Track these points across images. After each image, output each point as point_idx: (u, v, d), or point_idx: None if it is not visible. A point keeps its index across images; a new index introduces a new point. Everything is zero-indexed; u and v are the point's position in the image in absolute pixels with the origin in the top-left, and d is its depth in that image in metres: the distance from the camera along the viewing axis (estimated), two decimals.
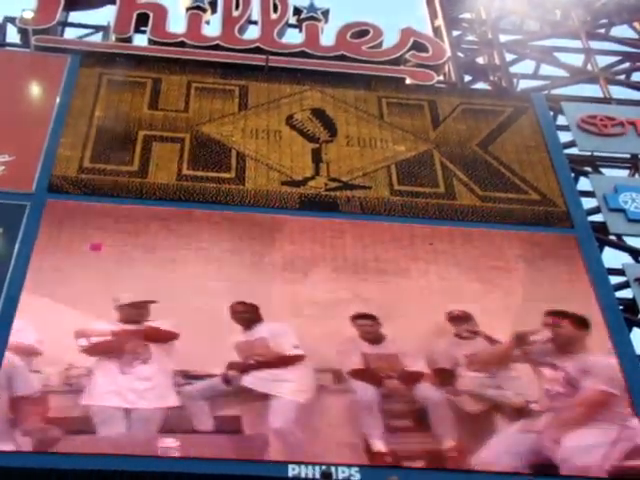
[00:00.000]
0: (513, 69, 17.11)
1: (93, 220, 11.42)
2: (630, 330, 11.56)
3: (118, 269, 10.70)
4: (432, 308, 10.70)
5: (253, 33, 15.55)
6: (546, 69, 17.77)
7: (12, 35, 14.90)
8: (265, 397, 9.52)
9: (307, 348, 9.98)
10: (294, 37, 15.75)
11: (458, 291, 11.14)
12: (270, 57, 14.79)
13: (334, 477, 8.83)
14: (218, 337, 9.77)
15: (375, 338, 10.21)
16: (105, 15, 15.66)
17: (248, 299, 10.27)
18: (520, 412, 9.38)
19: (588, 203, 13.34)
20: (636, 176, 14.52)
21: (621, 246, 13.36)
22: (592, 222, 12.88)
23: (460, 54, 17.10)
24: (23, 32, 14.61)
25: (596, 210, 13.28)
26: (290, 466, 9.20)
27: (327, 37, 15.62)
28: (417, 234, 11.77)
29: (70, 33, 15.75)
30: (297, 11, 16.02)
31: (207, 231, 11.30)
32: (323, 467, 8.94)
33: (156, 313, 9.94)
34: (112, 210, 11.42)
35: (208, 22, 15.68)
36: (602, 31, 18.45)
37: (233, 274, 10.89)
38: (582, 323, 9.93)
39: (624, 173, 14.85)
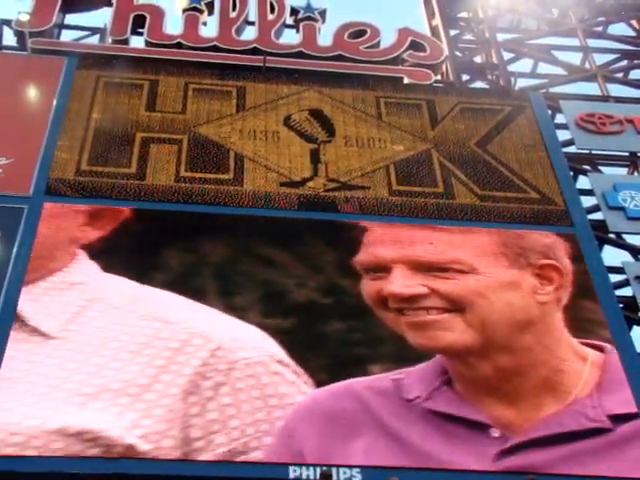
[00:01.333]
0: (511, 68, 17.09)
1: None
2: (630, 328, 11.54)
3: None
4: None
5: (250, 34, 15.56)
6: (544, 67, 17.79)
7: (8, 38, 14.91)
8: None
9: None
10: (291, 37, 15.77)
11: None
12: (267, 58, 14.77)
13: (335, 478, 8.79)
14: None
15: None
16: (102, 17, 15.69)
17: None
18: None
19: (587, 201, 13.34)
20: (635, 174, 14.50)
21: (621, 244, 13.34)
22: (591, 220, 12.86)
23: (458, 53, 17.09)
24: (19, 35, 14.58)
25: (595, 208, 13.27)
26: (291, 468, 9.14)
27: (324, 37, 15.64)
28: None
29: (67, 35, 15.76)
30: (294, 11, 16.02)
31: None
32: (324, 468, 8.91)
33: None
34: None
35: (205, 23, 15.68)
36: (600, 29, 18.46)
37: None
38: None
39: (623, 171, 14.82)
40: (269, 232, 7.03)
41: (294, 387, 4.55)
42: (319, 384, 4.74)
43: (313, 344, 5.09)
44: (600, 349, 5.27)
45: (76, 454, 4.51)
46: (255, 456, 4.74)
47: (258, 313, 4.95)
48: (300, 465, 9.17)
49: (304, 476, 9.06)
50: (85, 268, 4.87)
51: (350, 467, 9.18)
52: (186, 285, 5.24)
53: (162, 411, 4.52)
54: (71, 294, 4.64)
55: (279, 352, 4.82)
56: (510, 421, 4.36)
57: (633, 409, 4.71)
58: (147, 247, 5.24)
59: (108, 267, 4.77)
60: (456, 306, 4.62)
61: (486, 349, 4.54)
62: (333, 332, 4.96)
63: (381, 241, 5.65)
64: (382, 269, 5.20)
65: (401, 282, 4.86)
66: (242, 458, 4.89)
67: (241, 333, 4.69)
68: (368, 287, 5.42)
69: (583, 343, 5.01)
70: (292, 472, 9.10)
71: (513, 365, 4.51)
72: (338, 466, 9.14)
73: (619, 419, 4.30)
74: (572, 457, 4.07)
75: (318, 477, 8.80)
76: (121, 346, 4.57)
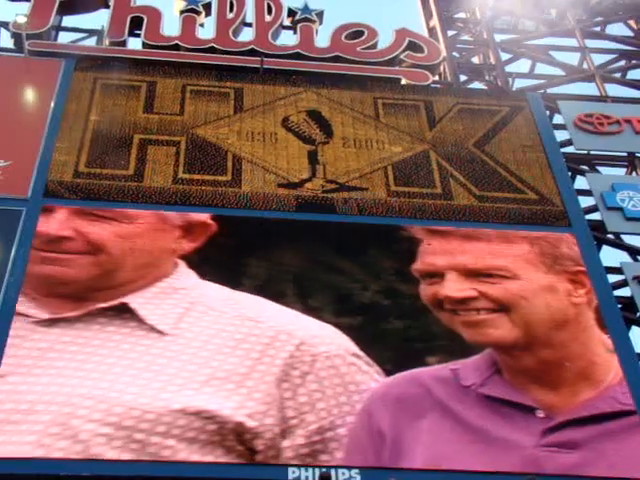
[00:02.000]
0: (509, 68, 17.13)
1: None
2: (629, 328, 11.54)
3: None
4: None
5: (248, 35, 15.56)
6: (542, 68, 17.85)
7: (5, 40, 14.90)
8: None
9: None
10: (289, 39, 15.78)
11: None
12: (265, 59, 14.77)
13: (334, 479, 8.78)
14: None
15: None
16: (99, 19, 15.68)
17: None
18: None
19: (585, 202, 13.34)
20: (633, 174, 14.53)
21: (619, 244, 13.35)
22: (590, 221, 12.86)
23: (455, 54, 17.10)
24: (16, 37, 14.56)
25: (594, 209, 13.27)
26: (290, 469, 9.14)
27: (322, 38, 15.65)
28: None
29: (64, 37, 15.74)
30: (291, 13, 16.02)
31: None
32: (323, 469, 8.90)
33: None
34: None
35: (202, 25, 15.67)
36: (598, 29, 18.50)
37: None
38: None
39: (621, 171, 14.84)
40: (335, 242, 7.86)
41: (368, 376, 5.31)
42: (387, 373, 5.59)
43: (378, 339, 5.92)
44: None
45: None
46: (340, 432, 5.63)
47: (331, 313, 5.82)
48: (299, 466, 9.20)
49: (303, 477, 9.03)
50: (186, 276, 5.65)
51: (349, 468, 9.15)
52: (269, 290, 6.06)
53: (261, 395, 5.36)
54: (177, 297, 5.37)
55: (352, 346, 5.64)
56: (552, 404, 5.12)
57: None
58: (233, 257, 6.06)
59: (203, 275, 5.62)
60: (502, 307, 5.36)
61: (529, 344, 5.34)
62: (393, 329, 5.87)
63: (434, 251, 6.60)
64: (436, 275, 6.10)
65: (453, 286, 5.69)
66: (329, 434, 5.78)
67: (319, 330, 5.49)
68: (426, 291, 6.36)
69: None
70: (291, 473, 9.10)
71: (552, 358, 5.28)
72: (337, 467, 9.16)
73: None
74: (605, 434, 4.93)
75: (317, 478, 8.82)
76: (222, 342, 5.36)
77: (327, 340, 5.28)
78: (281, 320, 5.45)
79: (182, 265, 5.45)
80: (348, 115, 13.85)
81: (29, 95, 13.61)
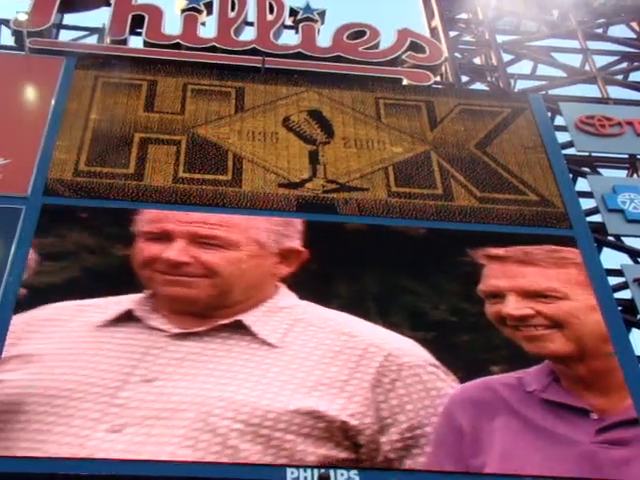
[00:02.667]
0: (510, 69, 17.12)
1: None
2: (629, 331, 11.51)
3: None
4: None
5: (249, 34, 15.54)
6: (544, 69, 17.81)
7: (6, 37, 14.87)
8: None
9: None
10: (290, 38, 15.75)
11: None
12: (266, 58, 14.76)
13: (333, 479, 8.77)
14: None
15: None
16: (100, 17, 15.65)
17: None
18: None
19: (586, 204, 13.32)
20: (634, 176, 14.49)
21: (620, 247, 13.32)
22: (590, 223, 12.84)
23: (457, 55, 17.08)
24: (17, 34, 14.52)
25: (594, 211, 13.25)
26: (289, 470, 9.13)
27: (323, 38, 15.63)
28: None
29: (65, 35, 15.72)
30: (293, 12, 16.00)
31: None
32: (322, 470, 8.88)
33: None
34: None
35: (204, 24, 15.65)
36: (600, 31, 18.48)
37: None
38: None
39: (622, 173, 14.81)
40: (406, 266, 8.41)
41: (446, 383, 6.08)
42: (460, 380, 6.41)
43: (449, 351, 6.67)
44: None
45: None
46: (427, 430, 6.20)
47: (408, 329, 6.61)
48: (297, 467, 9.16)
49: (301, 478, 9.04)
50: (287, 297, 6.35)
51: (348, 469, 9.16)
52: (355, 308, 6.83)
53: (359, 398, 6.05)
54: (281, 315, 6.01)
55: (430, 357, 6.42)
56: (604, 408, 5.91)
57: None
58: (322, 280, 6.88)
59: (302, 296, 6.37)
60: (556, 324, 6.09)
61: (581, 356, 6.18)
62: (462, 342, 6.70)
63: (495, 275, 7.41)
64: (499, 296, 6.94)
65: (513, 305, 6.51)
66: (418, 432, 6.35)
67: (401, 343, 6.32)
68: (490, 309, 7.18)
69: None
70: (290, 474, 9.08)
71: (602, 368, 6.14)
72: (336, 467, 9.15)
73: None
74: None
75: (316, 479, 8.81)
76: (322, 354, 6.15)
77: (409, 352, 6.10)
78: (370, 335, 6.25)
79: (283, 287, 6.15)
80: (349, 115, 13.83)
81: (30, 93, 13.58)
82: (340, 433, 5.76)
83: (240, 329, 5.94)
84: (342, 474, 9.11)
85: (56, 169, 12.15)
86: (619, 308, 11.56)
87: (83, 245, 5.73)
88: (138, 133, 12.92)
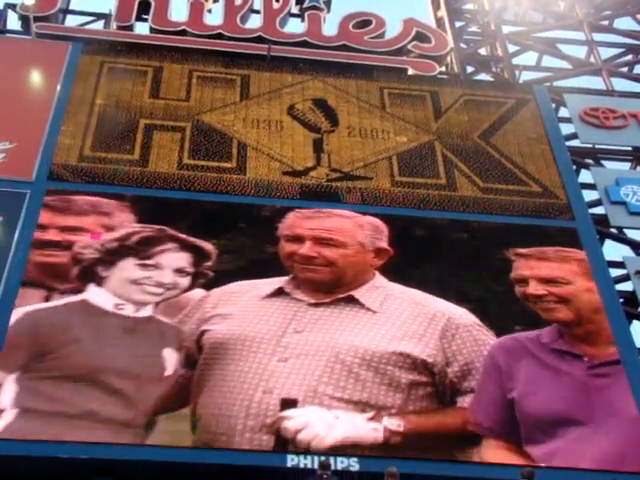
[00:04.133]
0: (516, 60, 17.10)
1: None
2: (630, 323, 11.56)
3: None
4: None
5: (255, 22, 15.55)
6: (549, 61, 17.79)
7: (13, 22, 14.90)
8: None
9: None
10: (296, 27, 15.75)
11: None
12: (272, 46, 14.76)
13: (333, 467, 8.81)
14: None
15: None
16: (107, 3, 15.65)
17: None
18: None
19: (589, 195, 13.36)
20: (638, 169, 14.49)
21: (622, 239, 13.36)
22: (593, 215, 12.88)
23: (463, 45, 17.07)
24: (24, 19, 14.57)
25: (597, 203, 13.28)
26: (289, 456, 9.20)
27: (329, 27, 15.64)
28: None
29: (71, 20, 15.76)
30: (299, 0, 16.00)
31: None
32: (322, 457, 8.93)
33: None
34: None
35: (210, 11, 15.68)
36: (605, 23, 18.41)
37: None
38: None
39: (626, 166, 14.80)
40: (457, 259, 10.21)
41: (487, 336, 8.12)
42: (497, 335, 8.39)
43: (487, 317, 8.62)
44: None
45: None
46: (477, 365, 8.06)
47: (459, 302, 8.70)
48: (297, 454, 9.24)
49: (302, 465, 9.11)
50: (380, 280, 8.36)
51: (348, 456, 9.24)
52: (424, 286, 8.88)
53: (432, 345, 8.00)
54: (378, 291, 8.17)
55: (476, 319, 8.35)
56: (593, 354, 8.10)
57: None
58: (402, 268, 8.76)
59: (390, 279, 8.45)
60: (562, 300, 8.31)
61: (579, 321, 8.29)
62: (495, 312, 8.69)
63: (521, 267, 9.22)
64: (524, 281, 9.03)
65: (534, 288, 8.68)
66: (471, 366, 8.14)
67: (457, 310, 8.32)
68: (518, 290, 9.02)
69: None
70: (290, 460, 9.15)
71: (595, 328, 8.29)
72: (336, 455, 9.21)
73: None
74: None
75: (316, 466, 8.86)
76: (407, 316, 8.18)
77: (463, 316, 8.16)
78: (435, 304, 8.25)
79: (377, 273, 8.17)
80: (354, 104, 13.84)
81: (35, 77, 13.61)
82: (422, 366, 7.65)
83: (352, 301, 7.99)
84: (342, 462, 9.20)
85: (61, 154, 12.19)
86: (620, 300, 11.66)
87: (246, 245, 8.27)
88: (143, 119, 12.95)
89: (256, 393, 6.77)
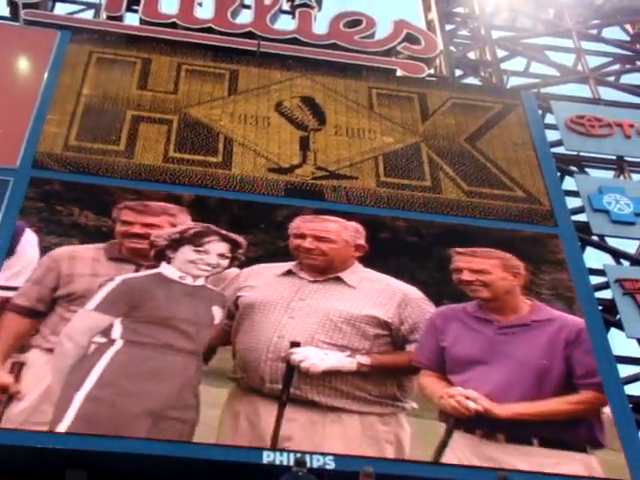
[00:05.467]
0: (504, 66, 17.16)
1: None
2: (608, 330, 11.63)
3: None
4: None
5: (246, 17, 15.50)
6: (537, 67, 17.87)
7: (1, 8, 14.78)
8: None
9: None
10: (287, 23, 15.72)
11: None
12: (262, 43, 14.74)
13: (308, 465, 8.84)
14: None
15: None
16: None
17: None
18: None
19: (572, 203, 13.42)
20: (621, 178, 14.56)
21: (603, 247, 13.43)
22: (576, 222, 12.95)
23: (452, 48, 17.13)
24: (13, 5, 14.48)
25: (580, 210, 13.35)
26: (265, 453, 9.22)
27: (320, 25, 15.62)
28: None
29: (61, 9, 15.67)
30: None
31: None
32: (297, 455, 8.95)
33: None
34: None
35: (201, 4, 15.59)
36: (594, 32, 18.51)
37: None
38: None
39: (609, 174, 14.89)
40: (410, 254, 11.45)
41: (429, 307, 9.67)
42: (436, 306, 9.88)
43: (431, 295, 10.01)
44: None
45: None
46: (421, 325, 9.56)
47: (414, 284, 10.23)
48: (274, 450, 9.25)
49: (277, 461, 9.12)
50: (359, 266, 9.90)
51: (323, 454, 9.26)
52: (388, 272, 10.15)
53: (392, 312, 9.53)
54: (356, 274, 9.67)
55: (423, 295, 9.79)
56: (500, 320, 9.62)
57: (546, 317, 9.93)
58: (373, 259, 10.27)
59: (365, 265, 10.11)
60: (485, 284, 9.83)
61: (494, 299, 9.71)
62: (437, 291, 10.11)
63: (459, 261, 10.40)
64: (459, 271, 10.28)
65: (466, 276, 10.07)
66: (418, 326, 9.59)
67: (411, 289, 9.73)
68: (454, 277, 10.30)
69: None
70: (266, 457, 9.17)
71: (504, 304, 9.68)
72: (311, 453, 9.22)
73: (537, 322, 9.75)
74: (523, 330, 9.56)
75: (292, 463, 8.88)
76: (378, 292, 9.66)
77: (414, 293, 9.61)
78: (396, 284, 9.71)
79: (356, 262, 9.82)
80: (342, 103, 13.86)
81: (23, 64, 13.52)
82: (384, 324, 9.27)
83: (338, 280, 9.48)
84: (318, 459, 9.22)
85: (46, 142, 12.13)
86: (600, 307, 11.73)
87: (265, 240, 10.27)
88: (130, 110, 12.91)
89: (273, 337, 8.75)
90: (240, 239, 9.23)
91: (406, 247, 10.90)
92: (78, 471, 8.85)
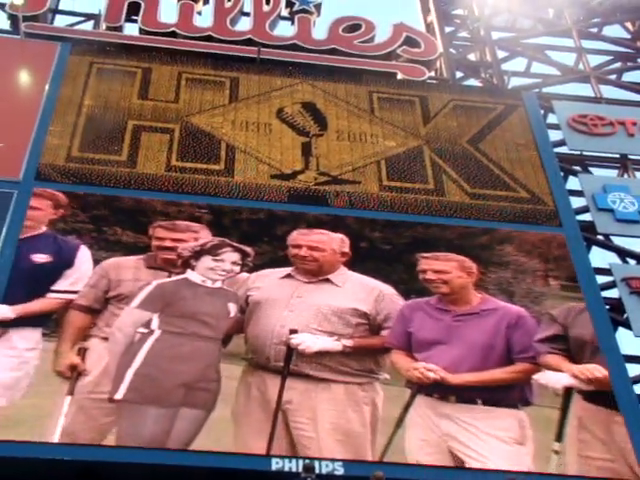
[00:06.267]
0: (505, 66, 17.15)
1: None
2: (615, 329, 11.60)
3: None
4: None
5: (245, 25, 15.53)
6: (538, 67, 17.85)
7: (1, 21, 14.85)
8: None
9: None
10: (286, 30, 15.75)
11: None
12: (262, 49, 14.76)
13: (317, 471, 8.82)
14: None
15: None
16: (96, 3, 15.60)
17: None
18: None
19: (577, 202, 13.40)
20: (625, 176, 14.53)
21: (609, 246, 13.39)
22: (580, 221, 12.92)
23: (452, 50, 17.13)
24: (13, 18, 14.51)
25: (584, 209, 13.31)
26: (274, 459, 9.22)
27: (319, 30, 15.63)
28: None
29: (60, 21, 15.71)
30: (290, 3, 15.99)
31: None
32: (306, 461, 8.94)
33: None
34: None
35: (200, 13, 15.66)
36: (595, 30, 18.49)
37: None
38: None
39: (613, 173, 14.86)
40: (384, 259, 11.88)
41: (401, 300, 10.48)
42: (405, 299, 10.65)
43: (399, 290, 10.74)
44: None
45: None
46: (393, 315, 10.40)
47: (389, 283, 10.82)
48: (282, 457, 9.25)
49: (286, 468, 9.12)
50: (344, 269, 10.64)
51: (333, 460, 9.26)
52: (367, 273, 10.87)
53: (370, 304, 10.42)
54: (342, 276, 10.50)
55: (395, 291, 10.58)
56: (455, 310, 10.42)
57: (492, 307, 10.72)
58: (354, 263, 11.00)
59: (349, 268, 10.81)
60: (444, 282, 10.60)
61: (452, 293, 10.53)
62: (406, 288, 10.94)
63: (423, 263, 11.12)
64: (424, 272, 10.99)
65: (429, 275, 10.83)
66: (390, 315, 10.43)
67: (385, 286, 10.50)
68: (420, 276, 11.01)
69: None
70: (275, 464, 9.17)
71: (459, 297, 10.51)
72: (320, 459, 9.21)
73: (485, 310, 10.55)
74: (473, 317, 10.39)
75: (300, 470, 8.87)
76: (359, 289, 10.48)
77: (388, 290, 10.41)
78: (374, 283, 10.48)
79: (342, 266, 10.64)
80: (343, 108, 13.86)
81: (24, 77, 13.56)
82: (363, 315, 10.12)
83: (328, 281, 10.32)
84: (327, 465, 9.22)
85: (49, 154, 12.16)
86: (607, 307, 11.70)
87: (268, 250, 11.19)
88: (132, 120, 12.92)
89: (276, 327, 9.75)
90: (249, 250, 10.23)
91: (381, 254, 11.62)
92: None
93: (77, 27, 15.48)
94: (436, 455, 9.35)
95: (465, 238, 12.06)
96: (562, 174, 13.87)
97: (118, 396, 8.71)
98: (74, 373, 9.11)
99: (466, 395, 9.61)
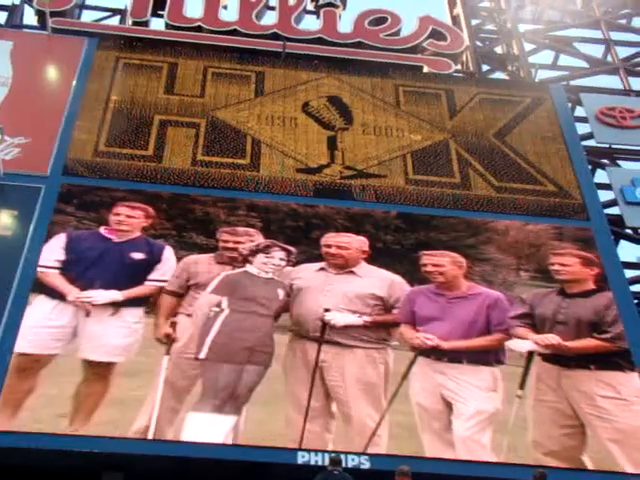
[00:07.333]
0: (532, 59, 17.04)
1: None
2: None
3: None
4: None
5: (271, 19, 15.54)
6: (565, 60, 17.70)
7: (29, 17, 14.98)
8: None
9: None
10: (312, 23, 15.74)
11: None
12: (287, 43, 14.76)
13: (343, 465, 8.82)
14: None
15: None
16: None
17: None
18: None
19: (605, 196, 13.29)
20: None
21: (637, 239, 13.26)
22: (608, 215, 12.81)
23: (478, 43, 17.02)
24: (40, 14, 14.63)
25: (613, 203, 13.21)
26: (300, 453, 9.25)
27: (345, 24, 15.58)
28: None
29: (87, 16, 15.82)
30: None
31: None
32: (332, 454, 8.94)
33: None
34: None
35: (225, 7, 15.66)
36: (623, 22, 18.28)
37: None
38: None
39: None
40: (393, 255, 12.45)
41: (408, 287, 11.29)
42: (411, 286, 11.36)
43: (407, 279, 11.46)
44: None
45: None
46: (403, 298, 11.24)
47: (394, 272, 11.52)
48: (308, 451, 9.27)
49: (312, 462, 9.16)
50: (365, 264, 11.43)
51: (359, 454, 9.27)
52: (381, 266, 11.54)
53: (385, 290, 11.20)
54: (363, 269, 11.31)
55: (404, 281, 11.41)
56: (449, 294, 11.27)
57: (476, 292, 11.56)
58: (373, 259, 11.68)
59: (368, 263, 11.45)
60: (441, 274, 11.42)
61: (446, 282, 11.33)
62: (412, 278, 11.57)
63: (425, 258, 11.83)
64: (425, 265, 11.72)
65: (430, 268, 11.60)
66: (401, 298, 11.22)
67: (395, 276, 11.33)
68: (423, 269, 11.72)
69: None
70: (300, 457, 9.20)
71: (452, 285, 11.34)
72: (346, 453, 9.23)
73: (471, 295, 11.48)
74: (464, 300, 11.34)
75: (326, 463, 8.88)
76: (375, 279, 11.29)
77: (398, 279, 11.26)
78: (387, 274, 11.30)
79: (363, 262, 11.39)
80: (369, 102, 13.83)
81: (51, 73, 13.65)
82: (379, 298, 10.93)
83: (352, 273, 11.13)
84: (353, 459, 9.24)
85: (76, 149, 12.25)
86: (635, 301, 11.60)
87: (306, 250, 12.02)
88: (158, 115, 12.98)
89: (313, 307, 10.78)
90: (292, 249, 11.40)
91: (392, 252, 12.21)
92: (115, 472, 8.96)
93: (103, 22, 15.58)
94: (432, 398, 10.86)
95: (456, 240, 12.68)
96: (590, 167, 13.75)
97: (201, 356, 10.60)
98: (169, 339, 10.86)
99: (455, 357, 11.05)
